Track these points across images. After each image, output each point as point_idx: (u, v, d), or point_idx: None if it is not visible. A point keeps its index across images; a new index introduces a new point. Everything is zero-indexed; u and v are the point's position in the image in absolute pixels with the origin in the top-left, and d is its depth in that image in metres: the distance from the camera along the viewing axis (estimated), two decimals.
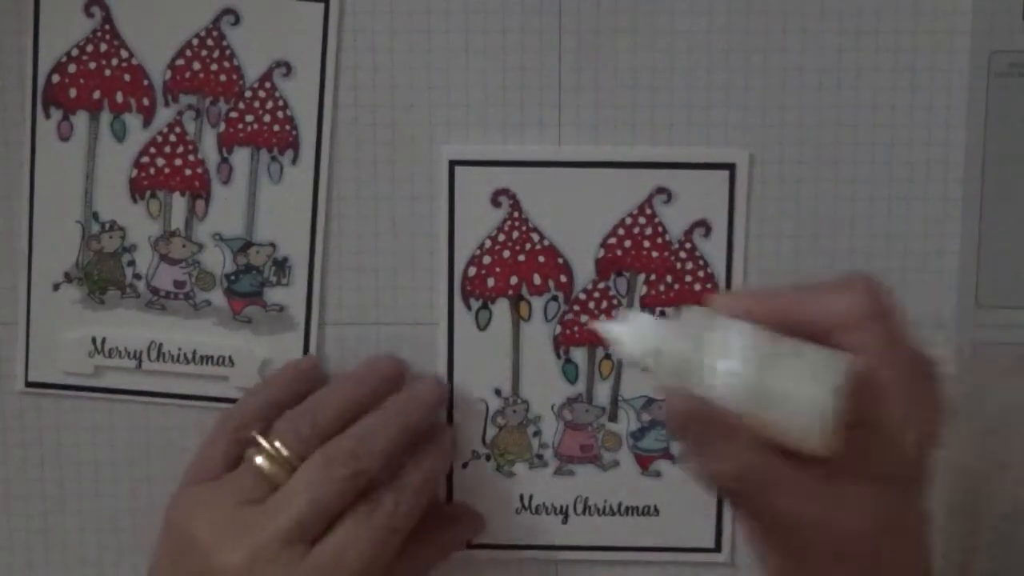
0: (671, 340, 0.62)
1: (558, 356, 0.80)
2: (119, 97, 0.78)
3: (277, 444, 0.72)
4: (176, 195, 0.79)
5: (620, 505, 0.80)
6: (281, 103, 0.78)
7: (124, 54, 0.78)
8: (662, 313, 0.79)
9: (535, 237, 0.78)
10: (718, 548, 0.81)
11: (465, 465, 0.81)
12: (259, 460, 0.72)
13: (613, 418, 0.80)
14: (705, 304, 0.63)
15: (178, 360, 0.79)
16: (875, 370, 0.60)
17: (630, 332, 0.64)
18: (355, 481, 0.71)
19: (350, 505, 0.71)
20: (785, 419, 0.60)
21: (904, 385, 0.60)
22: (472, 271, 0.79)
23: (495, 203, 0.78)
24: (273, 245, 0.79)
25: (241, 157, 0.78)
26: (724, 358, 0.61)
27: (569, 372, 0.80)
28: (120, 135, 0.78)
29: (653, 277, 0.79)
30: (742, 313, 0.62)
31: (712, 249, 0.78)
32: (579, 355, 0.79)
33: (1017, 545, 0.80)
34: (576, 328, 0.79)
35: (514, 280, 0.79)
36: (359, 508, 0.71)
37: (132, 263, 0.79)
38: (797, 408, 0.59)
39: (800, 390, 0.59)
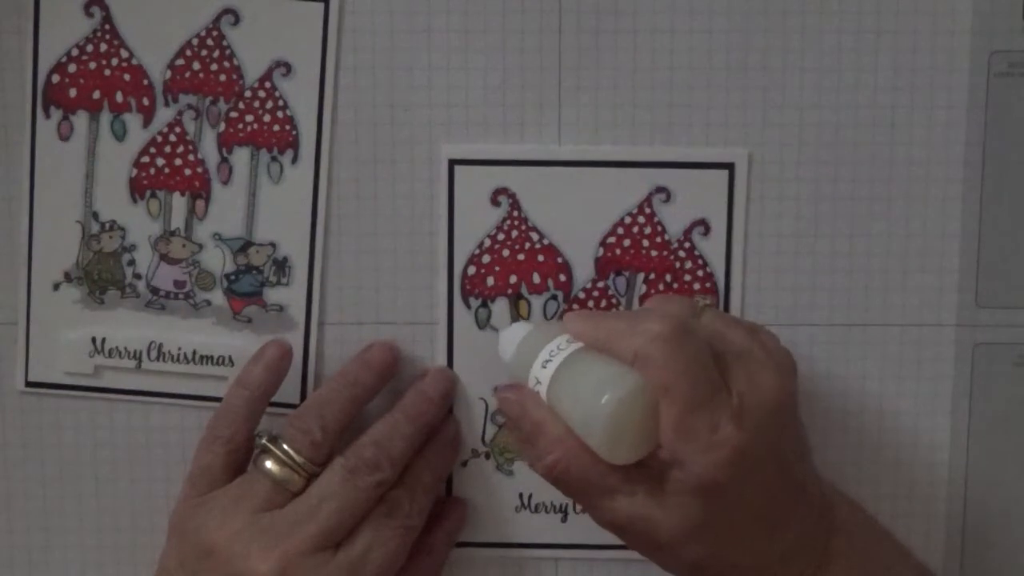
0: (522, 345, 0.72)
1: None
2: (119, 97, 0.78)
3: (289, 450, 0.73)
4: (176, 195, 0.79)
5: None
6: (281, 103, 0.78)
7: (124, 54, 0.78)
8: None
9: (534, 236, 0.78)
10: None
11: (465, 464, 0.81)
12: (270, 465, 0.73)
13: None
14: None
15: (178, 360, 0.79)
16: (658, 394, 0.66)
17: (507, 334, 0.74)
18: (377, 490, 0.73)
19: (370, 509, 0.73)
20: (576, 422, 0.68)
21: (680, 414, 0.66)
22: (472, 270, 0.79)
23: (495, 202, 0.78)
24: (273, 245, 0.79)
25: (241, 157, 0.78)
26: (543, 365, 0.70)
27: None
28: (120, 135, 0.78)
29: (652, 276, 0.79)
30: (574, 332, 0.70)
31: (711, 248, 0.78)
32: None
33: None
34: None
35: (513, 279, 0.79)
36: (378, 511, 0.73)
37: (132, 263, 0.79)
38: (581, 413, 0.67)
39: (583, 397, 0.67)
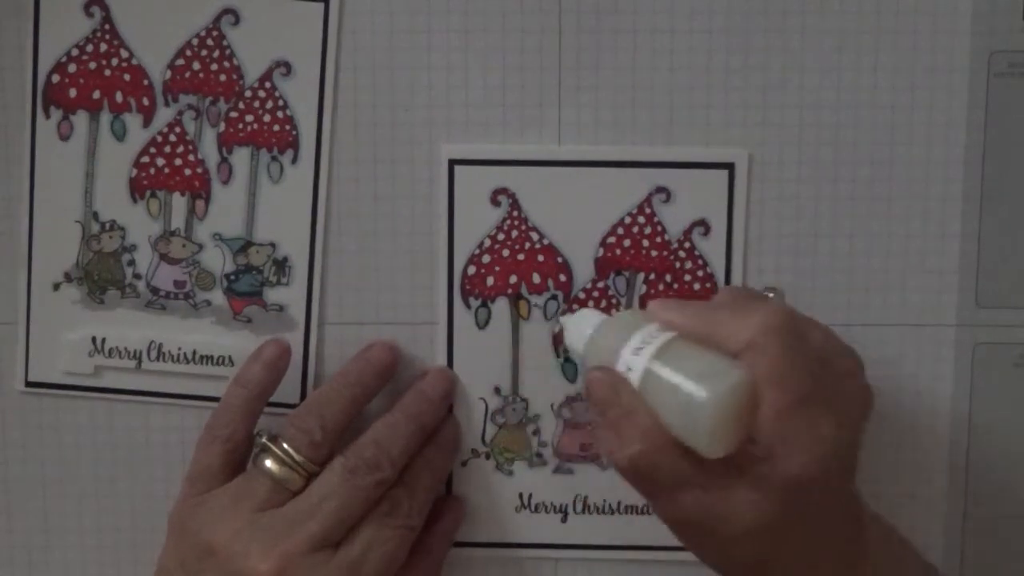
0: (603, 332, 0.69)
1: (557, 355, 0.80)
2: (119, 97, 0.78)
3: (289, 449, 0.73)
4: (176, 195, 0.79)
5: (619, 504, 0.80)
6: (281, 103, 0.78)
7: (124, 54, 0.78)
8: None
9: (534, 236, 0.78)
10: None
11: (464, 464, 0.81)
12: (270, 464, 0.73)
13: None
14: (645, 309, 0.69)
15: (178, 360, 0.79)
16: (763, 387, 0.64)
17: (574, 321, 0.71)
18: (377, 489, 0.73)
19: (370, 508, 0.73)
20: (673, 414, 0.64)
21: (786, 408, 0.64)
22: (472, 270, 0.79)
23: (494, 202, 0.78)
24: (273, 245, 0.79)
25: (241, 157, 0.78)
26: (635, 352, 0.66)
27: (568, 371, 0.80)
28: (120, 135, 0.78)
29: (652, 276, 0.79)
30: (665, 321, 0.67)
31: (711, 248, 0.78)
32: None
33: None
34: None
35: (513, 279, 0.79)
36: (378, 511, 0.73)
37: (132, 263, 0.79)
38: (680, 404, 0.64)
39: (685, 388, 0.64)
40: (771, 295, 0.72)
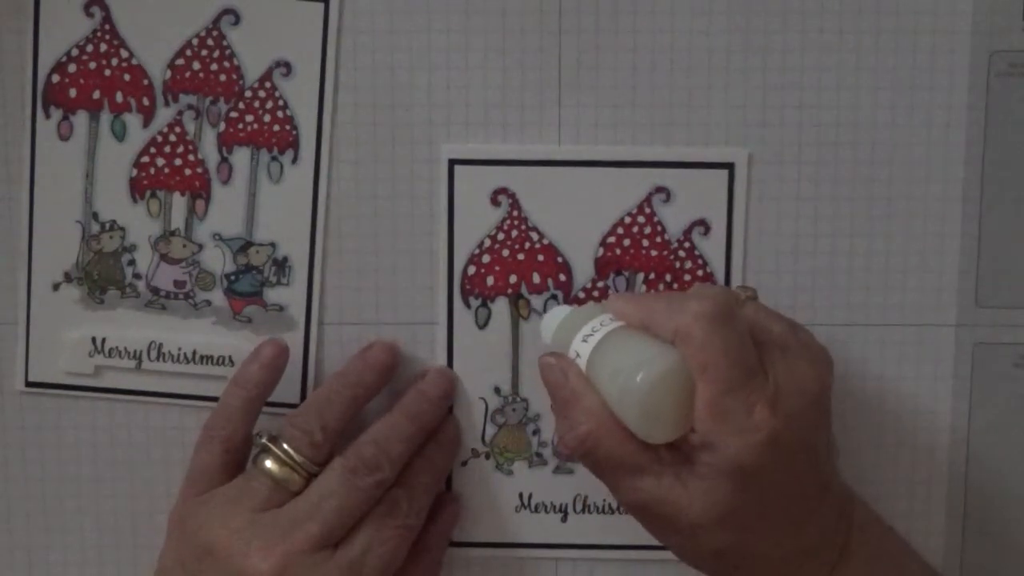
0: (565, 323, 0.72)
1: None
2: (119, 97, 0.78)
3: (289, 449, 0.73)
4: (176, 195, 0.79)
5: (619, 504, 0.80)
6: (281, 103, 0.78)
7: (124, 54, 0.78)
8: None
9: (534, 236, 0.78)
10: None
11: (464, 463, 0.81)
12: (270, 465, 0.73)
13: None
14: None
15: (178, 360, 0.79)
16: (694, 375, 0.66)
17: (547, 317, 0.74)
18: (377, 490, 0.73)
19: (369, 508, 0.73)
20: (612, 398, 0.67)
21: (717, 396, 0.66)
22: (472, 270, 0.79)
23: (495, 202, 0.78)
24: (273, 245, 0.79)
25: (241, 157, 0.78)
26: (584, 340, 0.69)
27: None
28: (120, 135, 0.78)
29: (652, 276, 0.79)
30: (615, 312, 0.70)
31: (711, 248, 0.78)
32: None
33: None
34: None
35: (513, 279, 0.79)
36: (378, 511, 0.73)
37: (132, 263, 0.79)
38: (618, 389, 0.67)
39: (621, 374, 0.67)
40: (748, 294, 0.73)
